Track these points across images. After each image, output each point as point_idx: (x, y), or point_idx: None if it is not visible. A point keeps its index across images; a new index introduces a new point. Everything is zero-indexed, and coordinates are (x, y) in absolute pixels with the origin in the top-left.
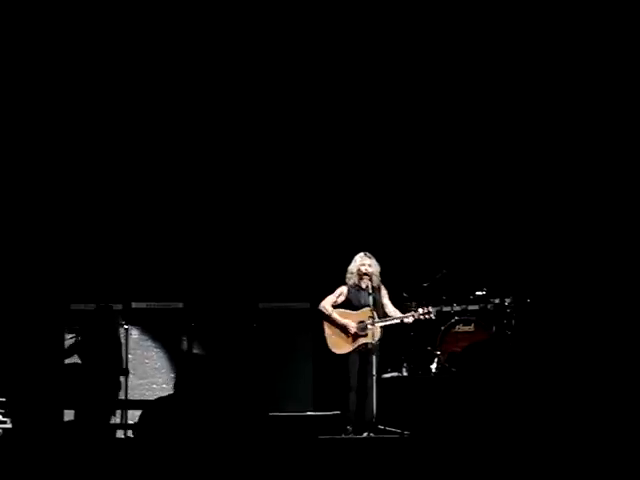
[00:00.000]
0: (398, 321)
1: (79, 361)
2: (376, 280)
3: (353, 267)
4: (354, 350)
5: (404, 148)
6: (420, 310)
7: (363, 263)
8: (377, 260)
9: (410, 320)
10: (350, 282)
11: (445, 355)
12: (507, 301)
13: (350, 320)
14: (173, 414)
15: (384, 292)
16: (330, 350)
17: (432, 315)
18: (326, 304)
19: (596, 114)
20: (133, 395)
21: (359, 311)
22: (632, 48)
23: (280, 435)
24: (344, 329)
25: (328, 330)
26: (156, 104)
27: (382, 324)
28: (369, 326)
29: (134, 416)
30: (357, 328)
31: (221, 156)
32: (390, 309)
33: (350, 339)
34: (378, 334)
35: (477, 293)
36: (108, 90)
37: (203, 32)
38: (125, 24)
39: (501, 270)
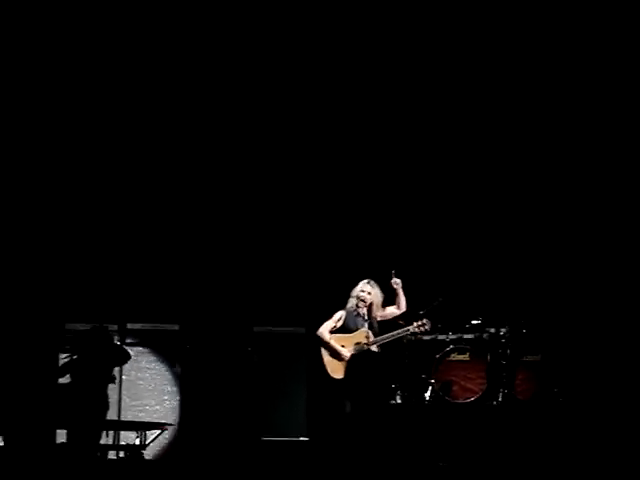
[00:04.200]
0: (395, 337)
1: (71, 380)
2: (375, 310)
3: (354, 292)
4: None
5: (403, 175)
6: (415, 323)
7: (363, 290)
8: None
9: (409, 330)
10: (348, 306)
11: (439, 383)
12: (502, 331)
13: (346, 344)
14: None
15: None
16: (330, 376)
17: (427, 327)
18: (324, 330)
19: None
20: (126, 416)
21: (354, 333)
22: (632, 48)
23: (274, 460)
24: (339, 356)
25: (327, 357)
26: (151, 122)
27: (380, 342)
28: (365, 347)
29: (126, 437)
30: (354, 350)
31: (216, 178)
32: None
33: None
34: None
35: (473, 322)
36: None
37: (203, 32)
38: (125, 24)
39: (497, 299)
